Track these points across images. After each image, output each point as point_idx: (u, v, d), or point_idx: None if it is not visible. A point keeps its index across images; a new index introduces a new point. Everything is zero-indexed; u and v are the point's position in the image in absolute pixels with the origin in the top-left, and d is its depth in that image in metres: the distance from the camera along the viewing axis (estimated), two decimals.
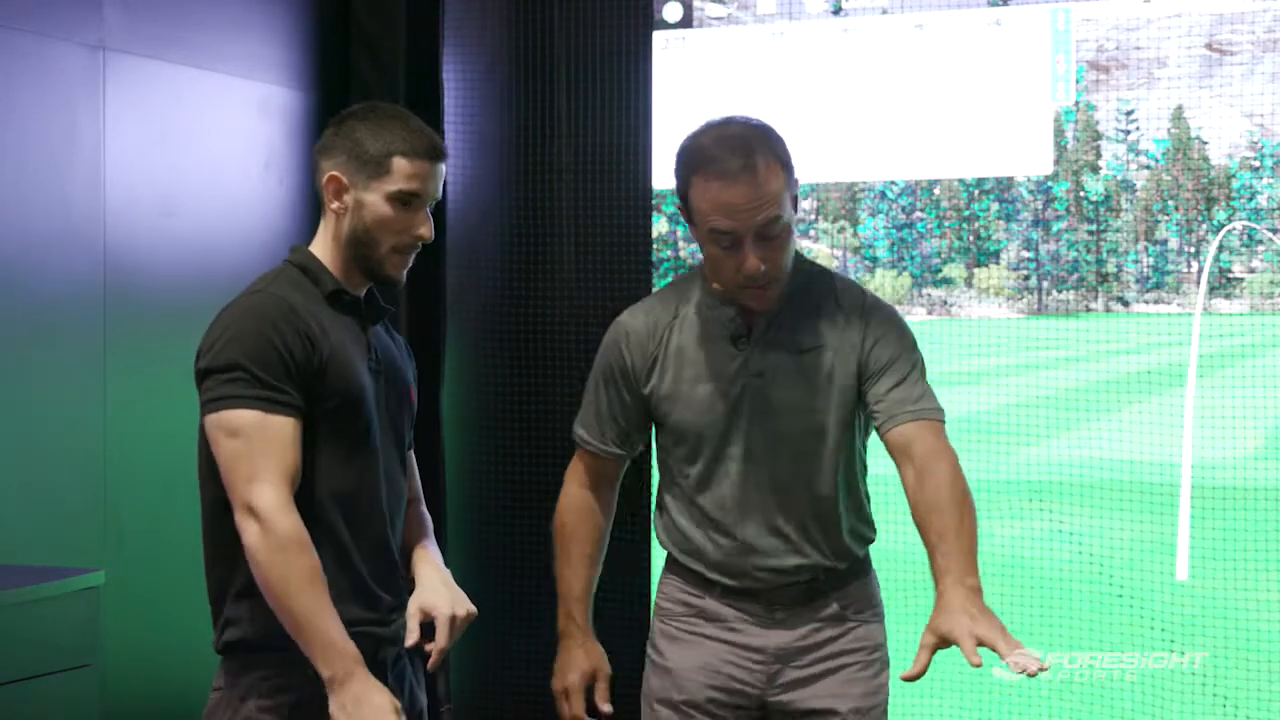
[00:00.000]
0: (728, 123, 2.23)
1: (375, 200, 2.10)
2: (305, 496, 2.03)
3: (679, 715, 2.36)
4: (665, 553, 2.48)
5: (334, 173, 2.11)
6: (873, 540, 2.40)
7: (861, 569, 2.37)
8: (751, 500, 2.28)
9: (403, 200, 2.10)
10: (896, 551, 3.01)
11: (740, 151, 2.16)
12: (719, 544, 2.32)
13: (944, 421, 2.22)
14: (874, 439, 2.34)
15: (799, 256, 2.31)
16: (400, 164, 2.09)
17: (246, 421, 1.97)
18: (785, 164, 2.20)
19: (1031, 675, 1.84)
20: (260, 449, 1.97)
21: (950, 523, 2.06)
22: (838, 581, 2.32)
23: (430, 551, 2.27)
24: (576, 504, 2.49)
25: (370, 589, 2.12)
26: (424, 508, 2.35)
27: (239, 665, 2.06)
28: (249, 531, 1.96)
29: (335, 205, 2.12)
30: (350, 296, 2.14)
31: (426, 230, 2.14)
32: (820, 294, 2.30)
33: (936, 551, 2.04)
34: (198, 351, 2.06)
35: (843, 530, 2.31)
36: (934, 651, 1.93)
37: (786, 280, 2.24)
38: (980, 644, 1.87)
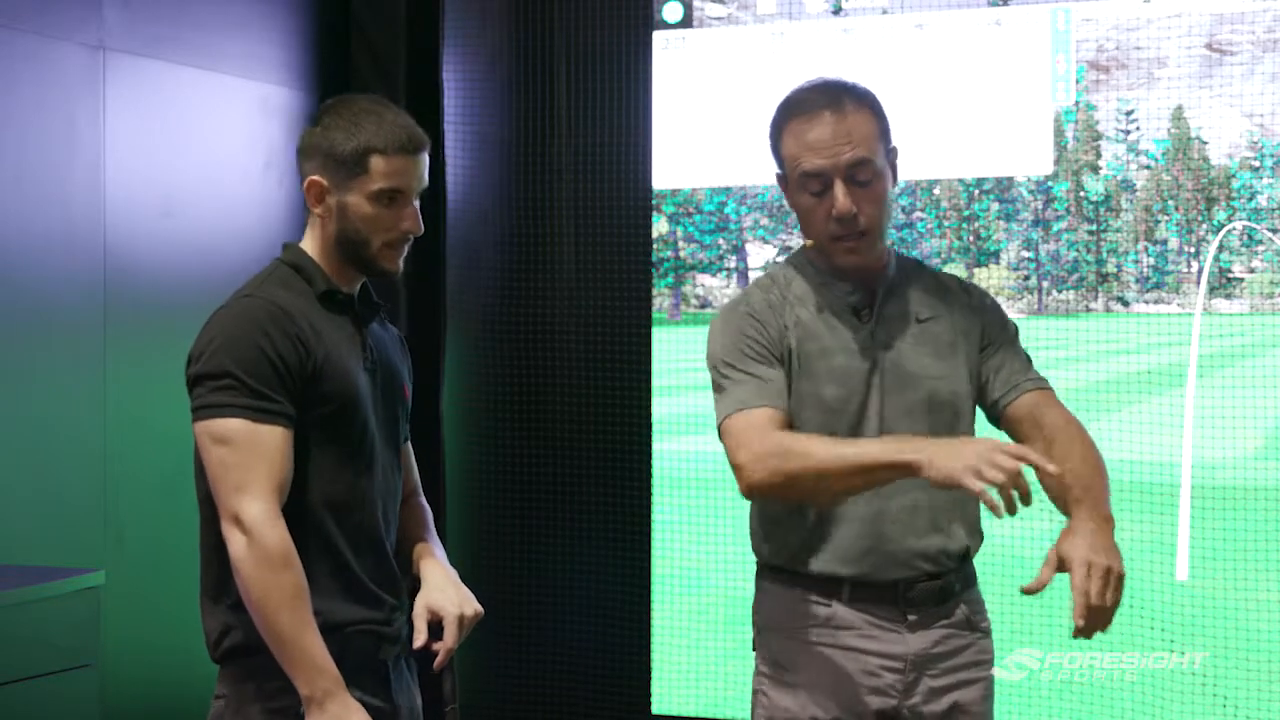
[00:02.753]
0: (820, 78, 2.23)
1: (357, 201, 2.07)
2: (299, 502, 2.01)
3: None
4: (761, 564, 2.32)
5: (314, 177, 2.09)
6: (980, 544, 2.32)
7: (974, 574, 2.31)
8: None
9: (385, 198, 2.07)
10: None
11: (827, 93, 2.16)
12: (856, 528, 2.18)
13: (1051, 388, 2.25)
14: None
15: (897, 251, 2.29)
16: (377, 162, 2.06)
17: (235, 430, 1.96)
18: (879, 117, 2.18)
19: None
20: (248, 459, 1.95)
21: (1083, 469, 2.06)
22: (965, 582, 2.26)
23: (434, 549, 2.24)
24: (772, 433, 2.09)
25: (371, 590, 2.10)
26: (423, 499, 2.32)
27: (241, 671, 2.04)
28: (235, 543, 1.94)
29: (318, 210, 2.10)
30: (343, 295, 2.12)
31: (413, 224, 2.10)
32: (921, 274, 2.30)
33: (1072, 488, 2.01)
34: (189, 356, 2.04)
35: (971, 511, 2.25)
36: (1054, 571, 1.93)
37: (882, 240, 2.19)
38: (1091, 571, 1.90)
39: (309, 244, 2.14)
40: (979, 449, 1.90)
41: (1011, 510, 1.86)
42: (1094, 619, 1.93)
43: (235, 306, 2.04)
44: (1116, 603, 1.94)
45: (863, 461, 2.00)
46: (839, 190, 2.13)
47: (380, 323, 2.24)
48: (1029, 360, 2.28)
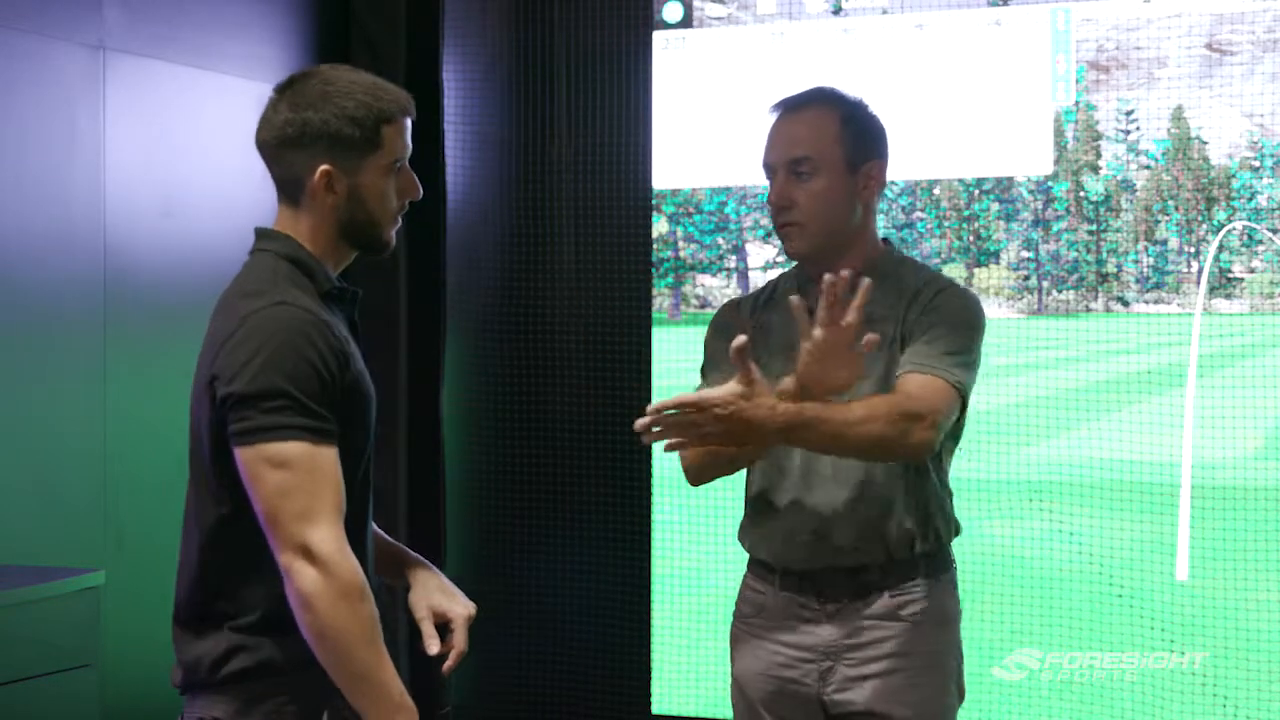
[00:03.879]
0: (817, 86, 2.38)
1: (373, 179, 1.96)
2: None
3: (753, 716, 2.40)
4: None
5: (324, 166, 1.93)
6: (944, 538, 2.35)
7: (927, 568, 2.32)
8: (816, 468, 2.29)
9: (395, 169, 1.99)
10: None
11: (800, 96, 2.35)
12: (782, 513, 2.33)
13: (956, 387, 2.18)
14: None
15: (899, 251, 2.40)
16: (389, 132, 1.97)
17: (296, 454, 1.81)
18: (852, 124, 2.31)
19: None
20: (312, 484, 1.81)
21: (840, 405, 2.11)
22: (895, 577, 2.30)
23: (409, 550, 2.18)
24: None
25: (380, 599, 1.99)
26: None
27: (246, 694, 1.91)
28: (304, 576, 1.79)
29: (330, 199, 1.95)
30: (337, 289, 2.00)
31: (419, 189, 2.03)
32: (907, 280, 2.33)
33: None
34: (219, 372, 1.86)
35: (904, 510, 2.28)
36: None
37: (822, 233, 2.29)
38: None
39: (301, 233, 1.98)
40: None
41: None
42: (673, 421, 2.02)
43: (269, 315, 1.86)
44: (703, 421, 2.02)
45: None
46: (776, 181, 2.30)
47: None
48: (941, 347, 2.21)
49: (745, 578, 2.45)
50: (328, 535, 1.80)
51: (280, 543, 1.81)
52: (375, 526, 2.16)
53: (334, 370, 1.86)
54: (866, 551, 2.28)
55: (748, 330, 2.31)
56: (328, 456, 1.83)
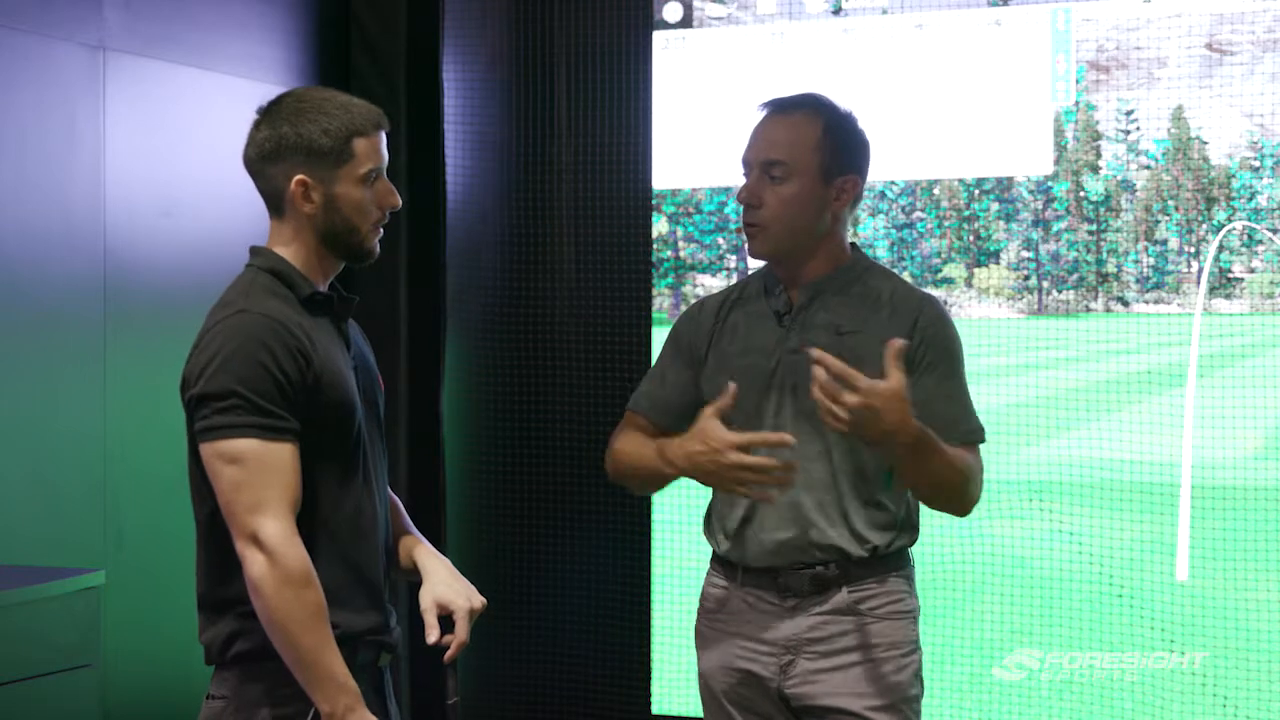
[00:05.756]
0: (809, 92, 2.41)
1: (348, 188, 2.07)
2: (312, 514, 2.00)
3: (719, 710, 2.44)
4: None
5: (299, 176, 2.06)
6: (905, 539, 2.39)
7: (885, 565, 2.36)
8: None
9: (370, 179, 2.09)
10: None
11: (792, 99, 2.37)
12: (745, 512, 2.37)
13: (983, 440, 2.36)
14: None
15: (866, 257, 2.43)
16: (361, 144, 2.07)
17: (246, 450, 1.95)
18: (833, 135, 2.33)
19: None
20: (262, 478, 1.94)
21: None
22: (853, 574, 2.34)
23: (424, 540, 2.26)
24: (626, 435, 2.50)
25: (380, 595, 2.11)
26: (389, 489, 2.30)
27: (248, 675, 2.02)
28: (254, 563, 1.93)
29: (308, 208, 2.08)
30: (322, 296, 2.11)
31: (397, 198, 2.13)
32: (875, 287, 2.37)
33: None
34: (186, 376, 2.02)
35: (863, 512, 2.33)
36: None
37: (784, 236, 2.33)
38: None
39: (282, 246, 2.11)
40: (701, 462, 2.19)
41: (779, 485, 2.16)
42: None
43: (230, 323, 2.00)
44: (854, 408, 2.05)
45: (646, 465, 2.36)
46: (749, 178, 2.35)
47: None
48: (965, 404, 2.34)
49: (708, 574, 2.49)
50: (276, 526, 1.94)
51: (235, 532, 1.96)
52: (405, 516, 2.28)
53: (290, 371, 1.99)
54: (827, 550, 2.33)
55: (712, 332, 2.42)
56: (279, 452, 1.97)
